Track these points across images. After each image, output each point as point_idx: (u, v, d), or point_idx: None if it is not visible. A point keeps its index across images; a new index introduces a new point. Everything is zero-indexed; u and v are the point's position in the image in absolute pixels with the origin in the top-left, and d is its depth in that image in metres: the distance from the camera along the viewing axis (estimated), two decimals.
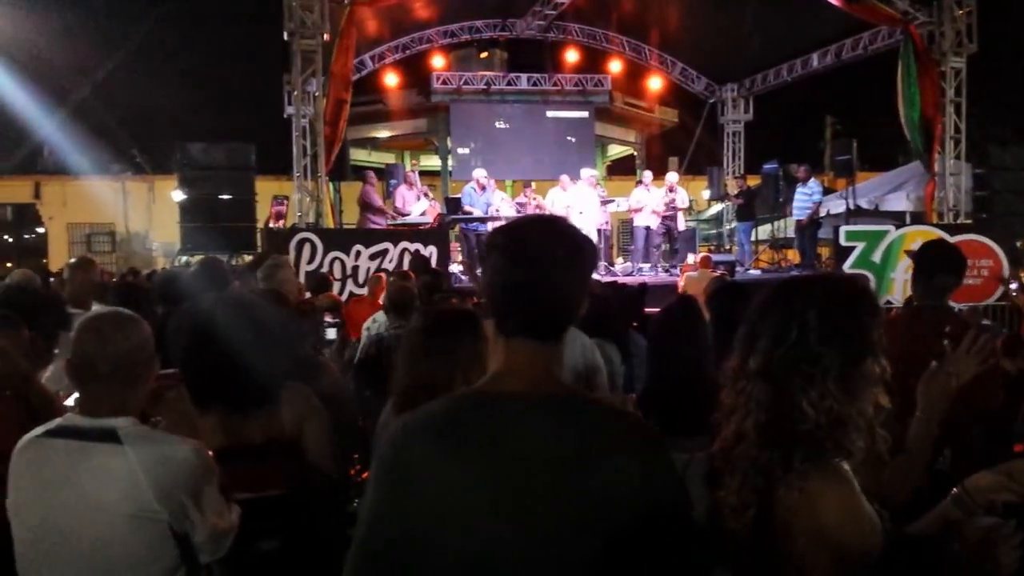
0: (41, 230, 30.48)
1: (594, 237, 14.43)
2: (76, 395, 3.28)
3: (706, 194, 20.69)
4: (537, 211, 15.23)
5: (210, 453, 2.22)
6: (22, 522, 2.21)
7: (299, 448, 2.69)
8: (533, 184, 16.79)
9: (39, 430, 2.25)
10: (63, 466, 2.15)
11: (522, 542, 1.42)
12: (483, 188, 14.60)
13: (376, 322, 5.76)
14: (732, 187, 18.33)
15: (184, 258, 14.72)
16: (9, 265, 23.37)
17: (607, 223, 15.62)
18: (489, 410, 1.51)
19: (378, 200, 14.43)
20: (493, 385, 1.55)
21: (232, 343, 2.52)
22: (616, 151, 24.82)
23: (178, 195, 15.26)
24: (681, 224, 15.95)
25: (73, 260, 4.96)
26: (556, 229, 1.58)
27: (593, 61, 20.80)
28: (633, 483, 1.44)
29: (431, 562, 1.45)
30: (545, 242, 1.52)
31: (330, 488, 2.84)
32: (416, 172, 16.49)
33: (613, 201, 15.70)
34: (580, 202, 14.40)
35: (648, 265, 14.91)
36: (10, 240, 32.63)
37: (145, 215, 27.95)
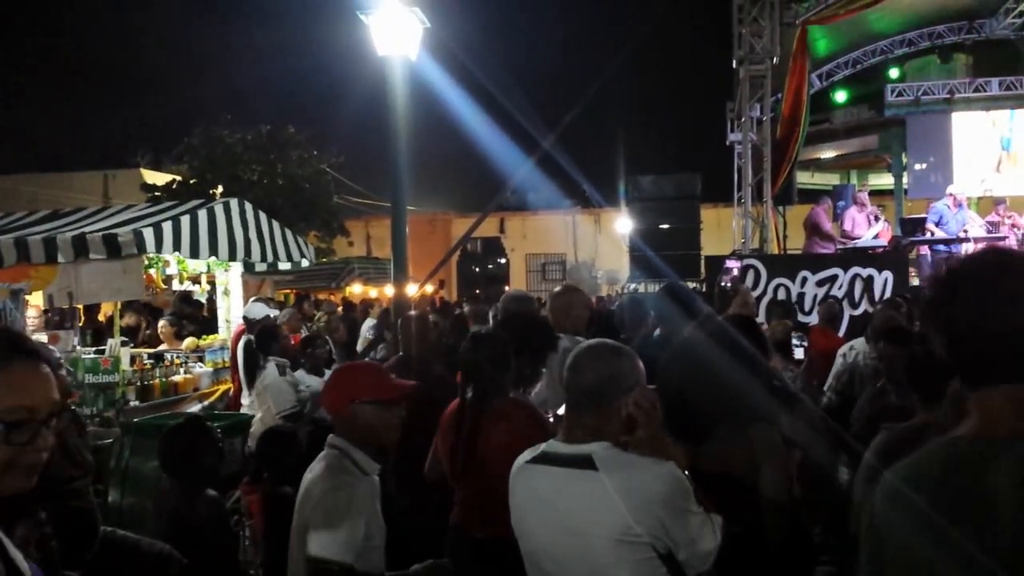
0: (503, 260, 34.31)
1: None
2: (563, 408, 3.49)
3: None
4: (1012, 230, 13.41)
5: (684, 473, 2.18)
6: (523, 543, 2.36)
7: (753, 487, 2.58)
8: (1007, 200, 14.74)
9: (527, 455, 2.38)
10: (547, 492, 2.25)
11: None
12: (958, 205, 13.14)
13: (854, 349, 5.40)
14: None
15: (632, 285, 15.39)
16: (477, 292, 26.41)
17: None
18: (989, 459, 1.35)
19: (827, 224, 13.74)
20: (985, 431, 1.39)
21: (697, 376, 2.47)
22: None
23: (625, 226, 16.03)
24: None
25: (558, 289, 5.31)
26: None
27: None
28: None
29: None
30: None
31: (788, 532, 2.65)
32: (866, 192, 15.45)
33: None
34: None
35: None
36: (477, 269, 37.05)
37: (592, 245, 30.03)
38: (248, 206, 9.23)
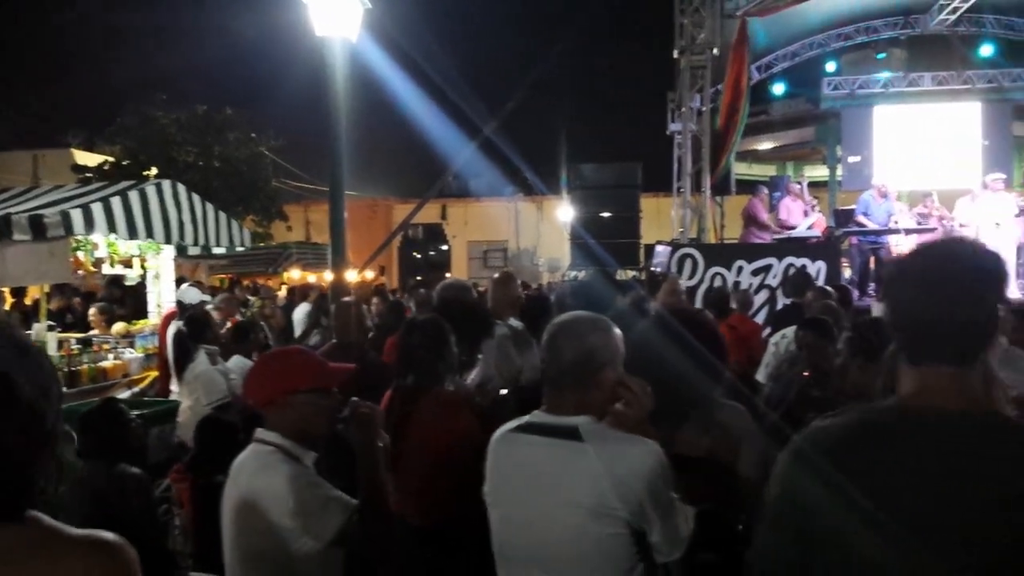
0: (445, 247, 34.21)
1: (1012, 252, 12.57)
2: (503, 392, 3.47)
3: None
4: (940, 222, 13.75)
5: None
6: (497, 509, 2.34)
7: (733, 467, 2.60)
8: (935, 193, 15.13)
9: (512, 424, 2.36)
10: (528, 459, 2.25)
11: (946, 565, 1.34)
12: (884, 196, 13.39)
13: (785, 338, 5.40)
14: None
15: (573, 273, 15.47)
16: (419, 278, 26.31)
17: None
18: (915, 424, 1.45)
19: (764, 214, 13.94)
20: (913, 401, 1.49)
21: (657, 360, 2.49)
22: None
23: (567, 214, 16.09)
24: None
25: (496, 275, 5.25)
26: (965, 252, 1.53)
27: (1013, 55, 18.47)
28: None
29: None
30: (956, 269, 1.49)
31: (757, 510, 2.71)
32: (804, 183, 15.72)
33: None
34: (996, 213, 12.59)
35: None
36: (419, 256, 36.84)
37: (534, 233, 30.08)
38: (181, 188, 9.01)
